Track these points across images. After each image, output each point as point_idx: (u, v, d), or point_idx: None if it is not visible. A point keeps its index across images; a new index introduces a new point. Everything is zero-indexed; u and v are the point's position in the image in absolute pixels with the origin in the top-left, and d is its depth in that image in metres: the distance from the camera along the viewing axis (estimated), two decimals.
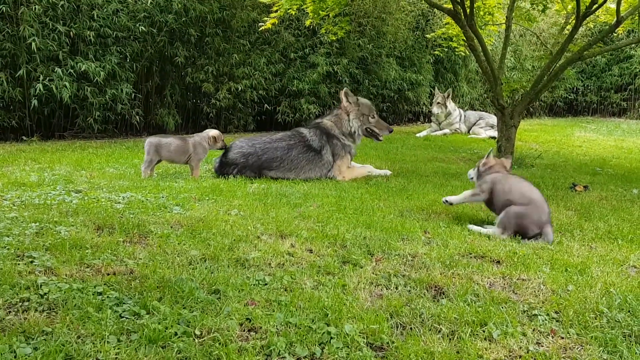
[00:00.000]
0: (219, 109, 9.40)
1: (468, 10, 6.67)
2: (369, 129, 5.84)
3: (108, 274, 2.46)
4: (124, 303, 2.18)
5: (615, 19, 6.49)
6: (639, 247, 3.51)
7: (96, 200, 3.90)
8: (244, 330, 2.06)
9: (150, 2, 8.10)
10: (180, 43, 8.70)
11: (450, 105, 10.73)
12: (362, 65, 10.97)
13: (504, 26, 8.10)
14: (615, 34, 10.21)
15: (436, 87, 11.31)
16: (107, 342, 1.87)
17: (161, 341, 1.90)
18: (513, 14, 7.78)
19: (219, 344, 1.92)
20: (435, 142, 9.43)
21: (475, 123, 11.03)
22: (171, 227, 3.31)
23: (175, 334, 1.96)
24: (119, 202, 3.87)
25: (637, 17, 6.90)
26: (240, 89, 9.22)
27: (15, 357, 1.75)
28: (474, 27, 6.84)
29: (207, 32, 8.96)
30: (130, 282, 2.38)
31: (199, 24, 8.89)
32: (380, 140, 6.03)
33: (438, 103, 10.61)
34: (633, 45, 15.65)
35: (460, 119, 10.94)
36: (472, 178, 4.12)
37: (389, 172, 5.94)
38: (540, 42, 13.35)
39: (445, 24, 9.90)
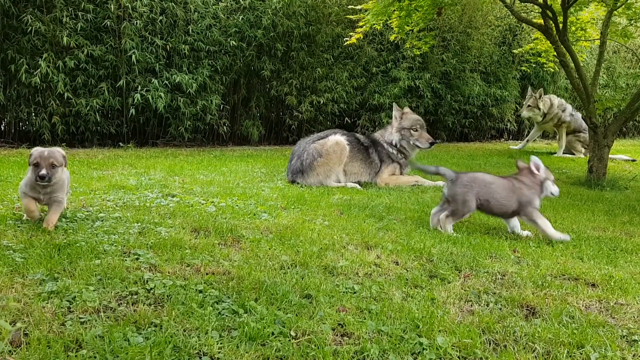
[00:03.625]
0: (301, 121, 9.62)
1: (561, 26, 6.47)
2: (412, 142, 6.03)
3: (207, 274, 2.60)
4: (223, 301, 2.29)
5: None
6: None
7: (190, 205, 4.11)
8: (337, 335, 2.11)
9: (242, 18, 8.46)
10: (267, 57, 9.00)
11: (545, 103, 9.65)
12: (445, 80, 10.85)
13: (596, 42, 7.78)
14: None
15: (529, 88, 10.14)
16: (211, 336, 1.98)
17: (260, 339, 1.99)
18: (608, 30, 7.45)
19: (315, 345, 1.98)
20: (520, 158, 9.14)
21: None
22: (261, 233, 3.44)
23: (272, 333, 2.04)
24: (211, 207, 4.06)
25: None
26: (322, 102, 9.40)
27: (129, 344, 1.90)
28: (567, 43, 6.62)
29: (293, 46, 9.22)
30: (227, 282, 2.50)
31: (286, 38, 9.17)
32: (424, 149, 6.16)
33: (529, 106, 9.68)
34: None
35: (566, 114, 9.72)
36: None
37: (442, 184, 5.89)
38: (636, 59, 12.67)
39: (534, 39, 9.65)
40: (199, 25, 8.29)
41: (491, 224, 4.26)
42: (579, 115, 9.98)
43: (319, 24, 9.33)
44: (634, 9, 7.02)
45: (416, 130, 6.03)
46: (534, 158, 4.06)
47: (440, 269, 3.00)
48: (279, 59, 9.21)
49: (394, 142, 6.02)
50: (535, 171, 3.98)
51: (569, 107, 9.87)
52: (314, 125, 9.91)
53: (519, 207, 3.86)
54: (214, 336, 1.99)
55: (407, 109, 6.14)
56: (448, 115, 10.98)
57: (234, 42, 8.39)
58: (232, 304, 2.26)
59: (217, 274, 2.60)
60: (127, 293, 2.33)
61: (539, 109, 9.63)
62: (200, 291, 2.38)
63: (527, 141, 10.70)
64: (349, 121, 10.10)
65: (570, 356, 2.12)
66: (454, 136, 11.71)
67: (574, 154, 9.87)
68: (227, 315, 2.17)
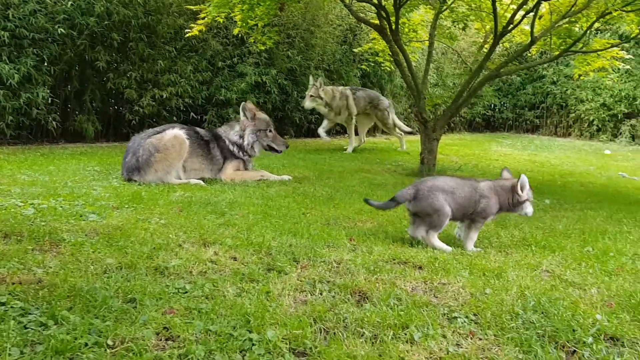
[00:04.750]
0: (143, 116, 9.09)
1: (394, 26, 6.87)
2: (267, 144, 6.03)
3: (13, 283, 2.28)
4: (29, 313, 2.02)
5: (529, 39, 6.90)
6: (551, 253, 3.70)
7: (4, 208, 3.64)
8: (161, 339, 1.97)
9: (71, 4, 7.75)
10: (102, 47, 8.36)
11: (327, 93, 9.26)
12: (291, 77, 11.00)
13: (427, 43, 8.40)
14: (529, 54, 10.83)
15: (310, 77, 9.51)
16: (9, 354, 1.72)
17: (69, 352, 1.78)
18: (436, 32, 8.09)
19: (133, 353, 1.82)
20: (362, 154, 9.60)
21: (378, 106, 9.84)
22: (86, 235, 3.14)
23: (86, 344, 1.84)
24: (29, 209, 3.63)
25: (549, 39, 7.36)
26: (165, 96, 8.97)
27: None
28: (399, 42, 7.05)
29: (131, 37, 8.67)
30: (37, 291, 2.22)
31: (123, 28, 8.59)
32: (279, 153, 6.20)
33: (311, 96, 9.17)
34: (545, 65, 16.74)
35: (346, 101, 9.55)
36: None
37: (287, 178, 6.06)
38: (460, 60, 13.96)
39: (372, 39, 10.15)
40: (21, 10, 7.43)
41: (331, 214, 4.36)
42: (362, 93, 9.90)
43: (160, 14, 8.89)
44: (456, 13, 7.69)
45: (271, 132, 6.00)
46: (523, 178, 3.81)
47: (278, 262, 2.98)
48: (115, 49, 8.60)
49: (247, 143, 5.88)
50: (519, 192, 3.77)
51: (349, 92, 9.70)
52: (158, 121, 9.41)
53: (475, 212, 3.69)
54: (13, 353, 1.74)
55: (252, 106, 6.02)
56: (295, 111, 11.14)
57: (62, 29, 7.65)
58: (40, 316, 2.01)
59: (25, 283, 2.30)
60: None
61: (321, 98, 9.21)
62: (3, 304, 2.08)
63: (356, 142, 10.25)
64: (196, 117, 9.78)
65: (395, 337, 2.20)
66: (302, 132, 11.93)
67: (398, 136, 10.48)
68: (32, 329, 1.92)
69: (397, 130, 10.47)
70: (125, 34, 8.62)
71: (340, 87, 9.87)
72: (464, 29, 8.18)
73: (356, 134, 10.36)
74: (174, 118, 9.55)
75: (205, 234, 3.42)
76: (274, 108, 10.58)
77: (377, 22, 7.26)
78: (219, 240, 3.31)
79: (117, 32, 8.39)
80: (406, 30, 8.78)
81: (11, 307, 2.05)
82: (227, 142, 5.89)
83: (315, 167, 7.40)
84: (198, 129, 5.95)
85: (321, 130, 9.99)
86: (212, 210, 4.16)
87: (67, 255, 2.75)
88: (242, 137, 5.89)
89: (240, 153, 5.92)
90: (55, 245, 2.90)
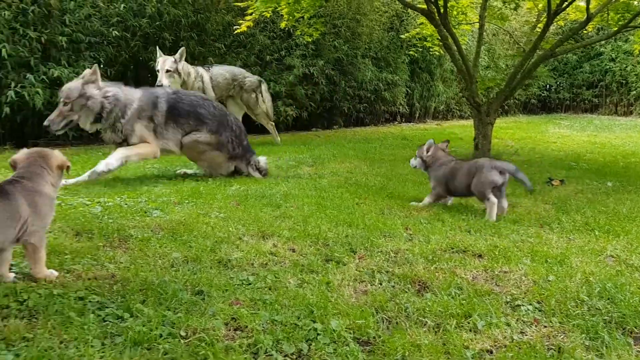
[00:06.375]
0: None
1: (442, 10, 6.75)
2: None
3: (89, 279, 2.42)
4: (106, 307, 2.14)
5: (585, 16, 6.64)
6: (615, 238, 3.59)
7: (73, 206, 3.83)
8: (230, 330, 2.05)
9: (124, 7, 8.01)
10: (155, 47, 8.60)
11: (185, 68, 7.20)
12: (339, 67, 11.01)
13: (477, 25, 8.22)
14: (585, 31, 10.42)
15: (157, 49, 7.33)
16: (91, 346, 1.84)
17: (146, 343, 1.88)
18: (486, 13, 7.90)
19: (205, 343, 1.90)
20: (413, 141, 9.51)
21: (243, 86, 7.89)
22: (151, 231, 3.27)
23: (161, 335, 1.94)
24: (97, 207, 3.81)
25: (606, 14, 7.06)
26: None
27: None
28: (448, 26, 6.92)
29: (182, 35, 8.89)
30: (112, 286, 2.35)
31: (174, 27, 8.81)
32: None
33: (167, 71, 6.92)
34: (603, 42, 16.04)
35: (202, 82, 7.53)
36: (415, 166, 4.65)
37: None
38: (513, 41, 13.56)
39: (420, 24, 10.02)
40: (77, 15, 7.74)
41: (385, 204, 4.37)
42: (217, 69, 7.98)
43: (208, 12, 9.07)
44: None
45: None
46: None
47: (335, 252, 3.02)
48: (167, 49, 8.82)
49: None
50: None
51: (202, 70, 7.71)
52: None
53: None
54: (94, 345, 1.85)
55: None
56: (343, 101, 11.15)
57: (116, 32, 7.93)
58: (116, 309, 2.12)
59: (100, 278, 2.43)
60: None
61: (180, 74, 7.13)
62: (81, 298, 2.20)
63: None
64: None
65: (458, 326, 2.20)
66: (350, 121, 11.95)
67: None
68: (110, 322, 2.03)
69: (270, 120, 8.54)
70: (176, 33, 8.84)
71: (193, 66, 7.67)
72: (515, 8, 7.94)
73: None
74: None
75: (263, 226, 3.49)
76: (322, 99, 10.63)
77: (424, 6, 7.16)
78: (276, 232, 3.38)
79: (168, 31, 8.62)
80: (455, 13, 8.61)
81: (89, 301, 2.18)
82: None
83: (366, 156, 7.40)
84: None
85: None
86: (268, 203, 4.24)
87: (136, 250, 2.88)
88: None
89: None
90: (124, 242, 3.04)
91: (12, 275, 2.39)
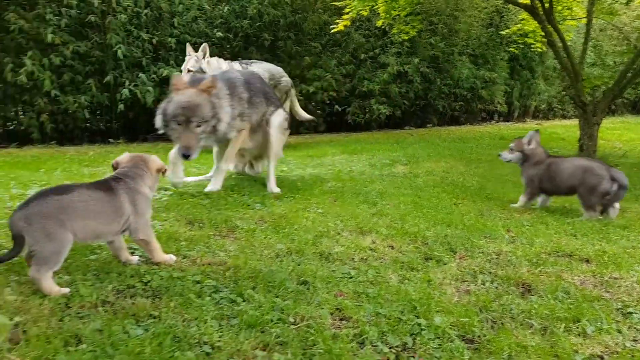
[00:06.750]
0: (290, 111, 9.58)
1: (547, 5, 6.48)
2: None
3: (204, 265, 2.60)
4: (220, 291, 2.30)
5: None
6: None
7: (184, 198, 4.10)
8: (335, 319, 2.13)
9: (227, 9, 8.40)
10: (255, 47, 8.95)
11: (212, 65, 6.82)
12: (434, 64, 10.85)
13: (583, 21, 7.79)
14: None
15: (188, 44, 7.03)
16: (210, 326, 1.98)
17: (259, 326, 2.00)
18: (594, 8, 7.47)
19: (314, 330, 1.99)
20: (510, 140, 9.17)
21: (278, 86, 7.37)
22: (256, 223, 3.44)
23: (271, 320, 2.05)
24: (205, 199, 4.05)
25: None
26: (311, 91, 9.36)
27: (128, 336, 1.90)
28: (553, 22, 6.63)
29: (280, 35, 9.17)
30: (224, 272, 2.50)
31: (272, 28, 9.11)
32: None
33: (189, 71, 6.64)
34: None
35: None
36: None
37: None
38: (622, 37, 12.68)
39: (521, 19, 9.64)
40: (185, 17, 8.22)
41: (484, 205, 4.29)
42: (258, 67, 7.23)
43: (305, 12, 9.28)
44: None
45: None
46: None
47: (435, 251, 3.02)
48: (266, 48, 9.15)
49: None
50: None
51: (237, 65, 7.06)
52: None
53: None
54: (213, 325, 1.99)
55: None
56: (438, 99, 10.99)
57: (220, 33, 8.33)
58: (229, 293, 2.27)
59: (213, 265, 2.60)
60: (125, 287, 2.33)
61: (204, 72, 6.58)
62: (198, 282, 2.38)
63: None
64: (339, 109, 10.08)
65: (567, 330, 2.14)
66: (445, 120, 11.74)
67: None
68: (225, 305, 2.18)
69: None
70: (274, 33, 9.12)
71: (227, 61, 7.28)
72: (627, 3, 7.45)
73: None
74: (319, 111, 9.92)
75: (361, 223, 3.55)
76: (416, 97, 10.53)
77: (527, 1, 6.90)
78: (374, 229, 3.43)
79: (267, 32, 8.92)
80: (560, 8, 8.21)
81: (205, 285, 2.34)
82: None
83: (462, 156, 7.26)
84: None
85: None
86: (364, 200, 4.29)
87: (243, 240, 3.05)
88: None
89: None
90: (231, 232, 3.22)
91: (136, 258, 2.62)
